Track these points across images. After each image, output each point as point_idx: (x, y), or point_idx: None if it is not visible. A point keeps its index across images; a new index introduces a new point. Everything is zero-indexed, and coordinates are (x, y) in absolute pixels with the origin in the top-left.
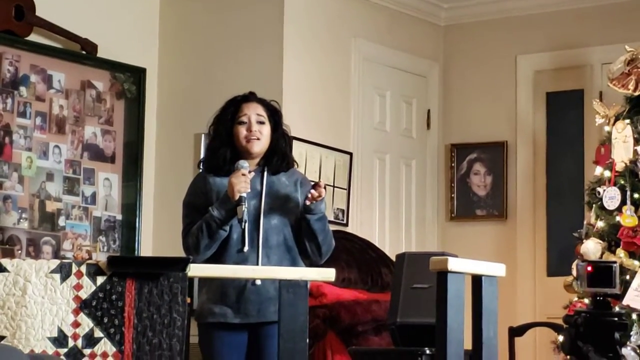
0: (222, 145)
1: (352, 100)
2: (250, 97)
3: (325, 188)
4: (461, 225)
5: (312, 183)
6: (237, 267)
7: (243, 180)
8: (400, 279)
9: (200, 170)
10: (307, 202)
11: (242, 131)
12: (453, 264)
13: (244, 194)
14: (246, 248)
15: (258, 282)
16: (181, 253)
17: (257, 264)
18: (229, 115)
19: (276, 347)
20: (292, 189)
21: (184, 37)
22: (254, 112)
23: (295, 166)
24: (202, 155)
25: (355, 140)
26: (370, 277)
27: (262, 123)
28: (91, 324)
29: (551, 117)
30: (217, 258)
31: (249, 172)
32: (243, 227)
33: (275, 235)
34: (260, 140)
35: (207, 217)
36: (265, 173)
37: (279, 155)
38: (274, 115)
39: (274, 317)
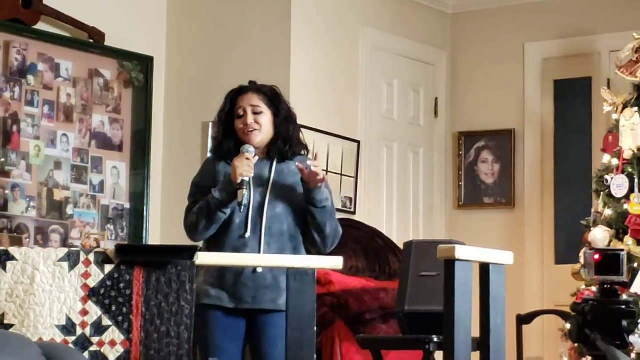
0: (226, 139)
1: (360, 88)
2: (246, 88)
3: (323, 172)
4: (469, 213)
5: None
6: (244, 255)
7: (246, 164)
8: (408, 267)
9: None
10: (304, 175)
11: (240, 125)
12: (461, 252)
13: (247, 178)
14: (248, 234)
15: (259, 269)
16: (188, 241)
17: (259, 251)
18: (227, 108)
19: (273, 335)
20: (299, 177)
21: (192, 26)
22: (248, 104)
23: (306, 153)
24: (209, 144)
25: (362, 128)
26: (378, 265)
27: (259, 113)
28: (99, 312)
29: (559, 105)
30: (218, 241)
31: (255, 156)
32: (242, 211)
33: (278, 224)
34: (259, 130)
35: (208, 198)
36: (275, 161)
37: (282, 140)
38: (274, 101)
39: (270, 305)
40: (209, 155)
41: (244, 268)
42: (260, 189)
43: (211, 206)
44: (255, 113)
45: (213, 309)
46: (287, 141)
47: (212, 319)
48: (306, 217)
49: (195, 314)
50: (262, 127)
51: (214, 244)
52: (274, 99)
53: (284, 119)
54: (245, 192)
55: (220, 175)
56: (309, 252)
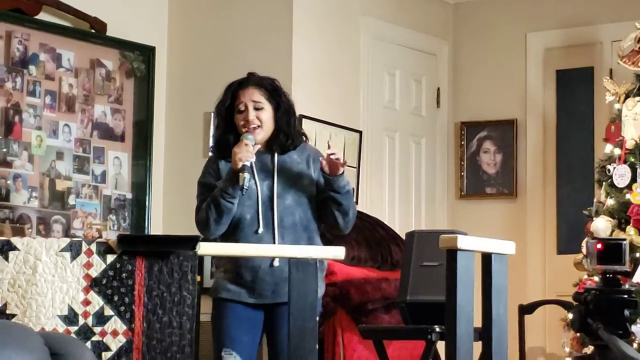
0: (225, 133)
1: (362, 79)
2: (246, 81)
3: (342, 162)
4: (471, 204)
5: (328, 153)
6: (247, 245)
7: (245, 150)
8: (410, 257)
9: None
10: (325, 169)
11: (240, 120)
12: (463, 242)
13: (247, 163)
14: (261, 229)
15: (276, 263)
16: (190, 231)
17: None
18: (227, 102)
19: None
20: (304, 166)
21: (194, 16)
22: (250, 99)
23: (305, 140)
24: (211, 134)
25: (364, 119)
26: (380, 255)
27: (260, 109)
28: (101, 302)
29: (561, 95)
30: (232, 239)
31: (255, 144)
32: (243, 194)
33: (290, 216)
34: (261, 127)
35: (214, 192)
36: (276, 153)
37: (283, 133)
38: (274, 94)
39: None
40: (210, 148)
41: (260, 263)
42: (266, 182)
43: (217, 197)
44: (256, 109)
45: (232, 302)
46: (288, 135)
47: (230, 312)
48: (317, 204)
49: (213, 307)
50: (263, 123)
51: (228, 242)
52: (274, 93)
53: (285, 113)
54: (246, 174)
55: (223, 173)
56: (324, 238)
